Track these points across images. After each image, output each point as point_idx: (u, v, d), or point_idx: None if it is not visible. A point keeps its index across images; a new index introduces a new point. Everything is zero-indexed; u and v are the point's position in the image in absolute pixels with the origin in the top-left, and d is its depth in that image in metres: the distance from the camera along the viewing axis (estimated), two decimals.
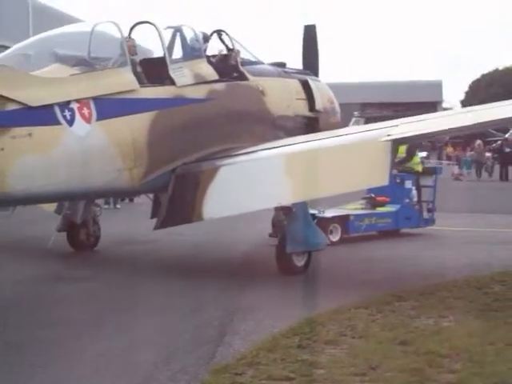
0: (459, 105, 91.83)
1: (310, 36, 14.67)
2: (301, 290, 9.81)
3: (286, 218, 10.96)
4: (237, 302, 9.02)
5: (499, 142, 39.65)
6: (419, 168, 16.57)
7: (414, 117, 10.69)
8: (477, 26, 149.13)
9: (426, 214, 15.97)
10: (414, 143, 16.04)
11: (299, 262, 10.85)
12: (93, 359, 6.77)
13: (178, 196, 10.74)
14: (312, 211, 14.09)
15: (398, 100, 64.06)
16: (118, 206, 20.85)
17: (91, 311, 8.68)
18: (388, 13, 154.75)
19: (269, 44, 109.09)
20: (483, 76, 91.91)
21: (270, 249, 11.46)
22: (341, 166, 9.88)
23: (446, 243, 14.21)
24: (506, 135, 40.37)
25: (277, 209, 11.04)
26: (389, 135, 9.56)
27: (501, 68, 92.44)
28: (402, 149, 16.09)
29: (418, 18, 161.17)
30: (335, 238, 14.18)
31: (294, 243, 10.69)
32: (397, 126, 10.04)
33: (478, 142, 38.90)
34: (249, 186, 10.30)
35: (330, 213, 14.47)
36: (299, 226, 10.83)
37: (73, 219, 12.90)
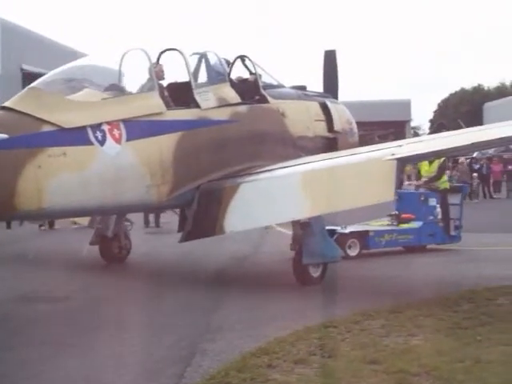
0: (428, 124, 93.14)
1: (330, 60, 15.39)
2: (272, 308, 9.79)
3: (302, 231, 11.60)
4: (206, 322, 9.02)
5: (468, 160, 37.79)
6: (447, 185, 17.11)
7: (418, 137, 11.34)
8: (445, 47, 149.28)
9: (452, 231, 16.41)
10: (444, 162, 16.73)
11: (315, 273, 11.53)
12: (59, 380, 6.82)
13: (202, 211, 11.45)
14: (333, 227, 14.86)
15: (366, 119, 64.05)
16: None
17: (62, 330, 8.73)
18: (356, 34, 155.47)
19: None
20: (451, 95, 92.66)
21: (242, 266, 12.21)
22: (351, 183, 10.52)
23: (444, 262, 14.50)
24: (474, 154, 39.51)
25: (294, 223, 11.65)
26: (393, 154, 10.23)
27: (467, 87, 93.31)
28: (432, 167, 16.72)
29: (387, 38, 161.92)
30: (354, 252, 14.80)
31: (310, 255, 11.36)
32: (401, 146, 10.74)
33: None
34: (267, 202, 10.97)
35: (349, 228, 15.08)
36: (315, 239, 11.50)
37: (104, 233, 13.71)
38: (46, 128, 10.00)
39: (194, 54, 12.80)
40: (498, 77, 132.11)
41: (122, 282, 12.44)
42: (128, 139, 10.79)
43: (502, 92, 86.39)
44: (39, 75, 11.73)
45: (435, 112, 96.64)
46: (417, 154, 10.71)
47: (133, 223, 14.72)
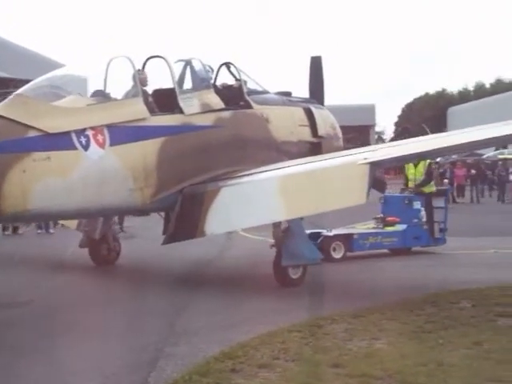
0: (392, 128, 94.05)
1: (315, 66, 15.69)
2: (237, 312, 9.84)
3: (282, 234, 11.91)
4: (171, 326, 9.04)
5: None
6: (432, 189, 17.39)
7: (392, 142, 11.67)
8: (410, 51, 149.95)
9: (437, 234, 16.70)
10: (430, 166, 17.07)
11: (295, 274, 11.81)
12: None
13: (184, 214, 11.76)
14: (319, 230, 15.21)
15: None
16: (52, 230, 20.87)
17: (25, 336, 8.69)
18: (321, 38, 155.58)
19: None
20: (416, 100, 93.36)
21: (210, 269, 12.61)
22: (325, 187, 10.88)
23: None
24: (438, 158, 39.45)
25: (274, 225, 11.95)
26: (365, 159, 10.55)
27: (432, 92, 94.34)
28: (418, 171, 17.01)
29: (352, 42, 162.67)
30: (338, 255, 15.08)
31: (290, 257, 11.66)
32: (375, 150, 11.06)
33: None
34: (246, 205, 11.29)
35: (334, 231, 15.39)
36: (294, 241, 11.80)
37: (92, 235, 14.05)
38: (32, 133, 10.36)
39: (180, 60, 13.13)
40: (461, 81, 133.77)
41: (89, 286, 12.55)
42: (111, 144, 11.13)
43: (464, 97, 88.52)
44: None
45: (399, 116, 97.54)
46: (389, 158, 11.05)
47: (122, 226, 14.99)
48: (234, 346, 7.76)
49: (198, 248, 14.77)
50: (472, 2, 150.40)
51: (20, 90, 11.40)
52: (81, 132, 10.83)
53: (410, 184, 17.21)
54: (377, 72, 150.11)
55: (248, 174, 11.79)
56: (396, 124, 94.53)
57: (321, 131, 14.62)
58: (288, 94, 14.97)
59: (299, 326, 8.63)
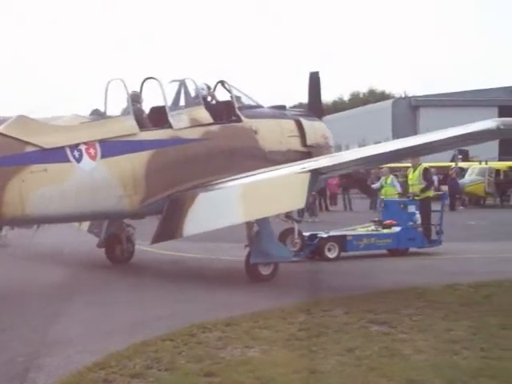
0: None
1: (314, 81, 16.93)
2: (108, 323, 9.75)
3: (252, 234, 13.31)
4: (45, 336, 8.84)
5: None
6: (429, 194, 18.47)
7: (336, 153, 12.92)
8: (286, 59, 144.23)
9: (434, 236, 17.77)
10: (427, 172, 18.12)
11: (265, 271, 13.15)
12: None
13: (168, 217, 13.30)
14: (316, 232, 16.52)
15: None
16: None
17: None
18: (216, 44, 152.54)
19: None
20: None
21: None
22: (273, 193, 12.29)
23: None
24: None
25: (248, 227, 13.32)
26: (303, 168, 11.85)
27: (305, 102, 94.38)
28: (414, 176, 18.12)
29: (233, 49, 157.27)
30: (333, 254, 16.31)
31: (258, 255, 13.03)
32: (318, 160, 12.33)
33: None
34: (214, 209, 12.72)
35: (330, 233, 16.65)
36: (263, 241, 13.14)
37: (100, 237, 15.82)
38: (29, 149, 12.20)
39: (174, 81, 14.72)
40: (336, 92, 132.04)
41: None
42: (102, 157, 12.85)
43: (338, 106, 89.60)
44: None
45: None
46: (324, 166, 12.31)
47: (135, 228, 16.48)
48: (107, 356, 7.75)
49: (77, 256, 15.39)
50: (346, 15, 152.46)
51: (23, 112, 13.26)
52: (74, 147, 12.58)
53: (412, 189, 18.32)
54: (255, 81, 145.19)
55: (222, 182, 13.22)
56: None
57: (310, 141, 15.74)
58: (282, 107, 16.28)
59: (172, 335, 8.69)
